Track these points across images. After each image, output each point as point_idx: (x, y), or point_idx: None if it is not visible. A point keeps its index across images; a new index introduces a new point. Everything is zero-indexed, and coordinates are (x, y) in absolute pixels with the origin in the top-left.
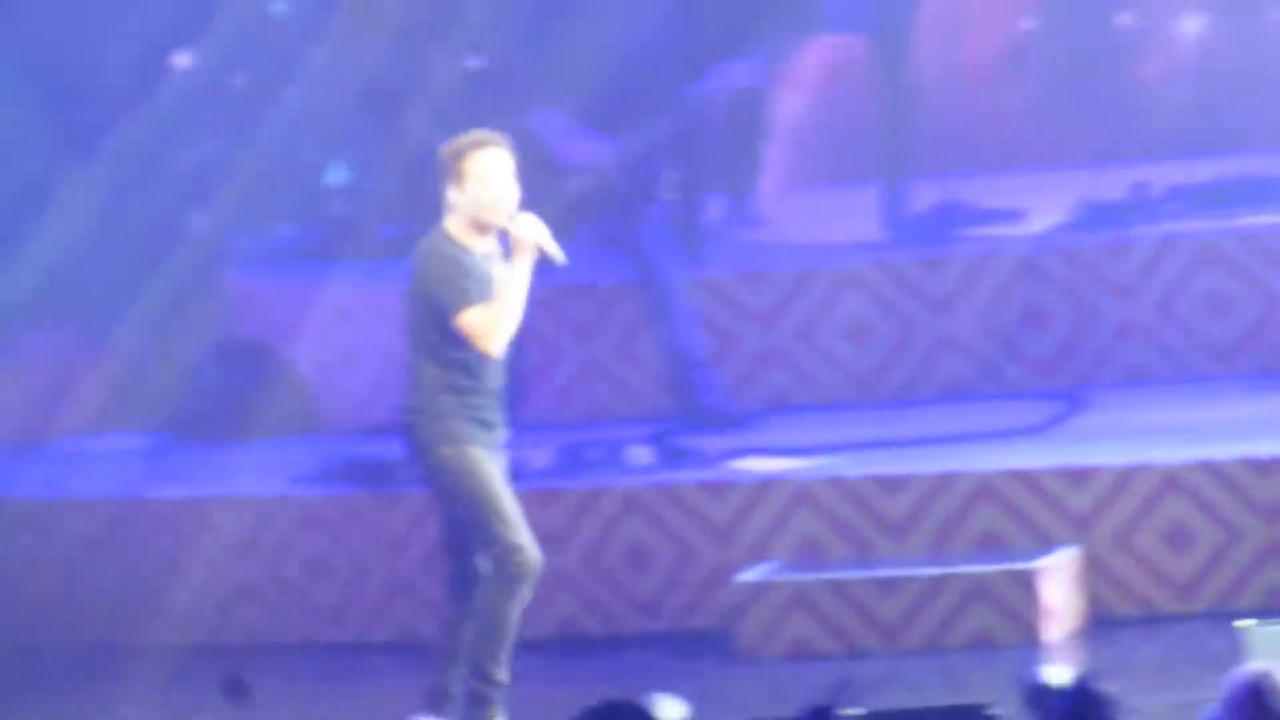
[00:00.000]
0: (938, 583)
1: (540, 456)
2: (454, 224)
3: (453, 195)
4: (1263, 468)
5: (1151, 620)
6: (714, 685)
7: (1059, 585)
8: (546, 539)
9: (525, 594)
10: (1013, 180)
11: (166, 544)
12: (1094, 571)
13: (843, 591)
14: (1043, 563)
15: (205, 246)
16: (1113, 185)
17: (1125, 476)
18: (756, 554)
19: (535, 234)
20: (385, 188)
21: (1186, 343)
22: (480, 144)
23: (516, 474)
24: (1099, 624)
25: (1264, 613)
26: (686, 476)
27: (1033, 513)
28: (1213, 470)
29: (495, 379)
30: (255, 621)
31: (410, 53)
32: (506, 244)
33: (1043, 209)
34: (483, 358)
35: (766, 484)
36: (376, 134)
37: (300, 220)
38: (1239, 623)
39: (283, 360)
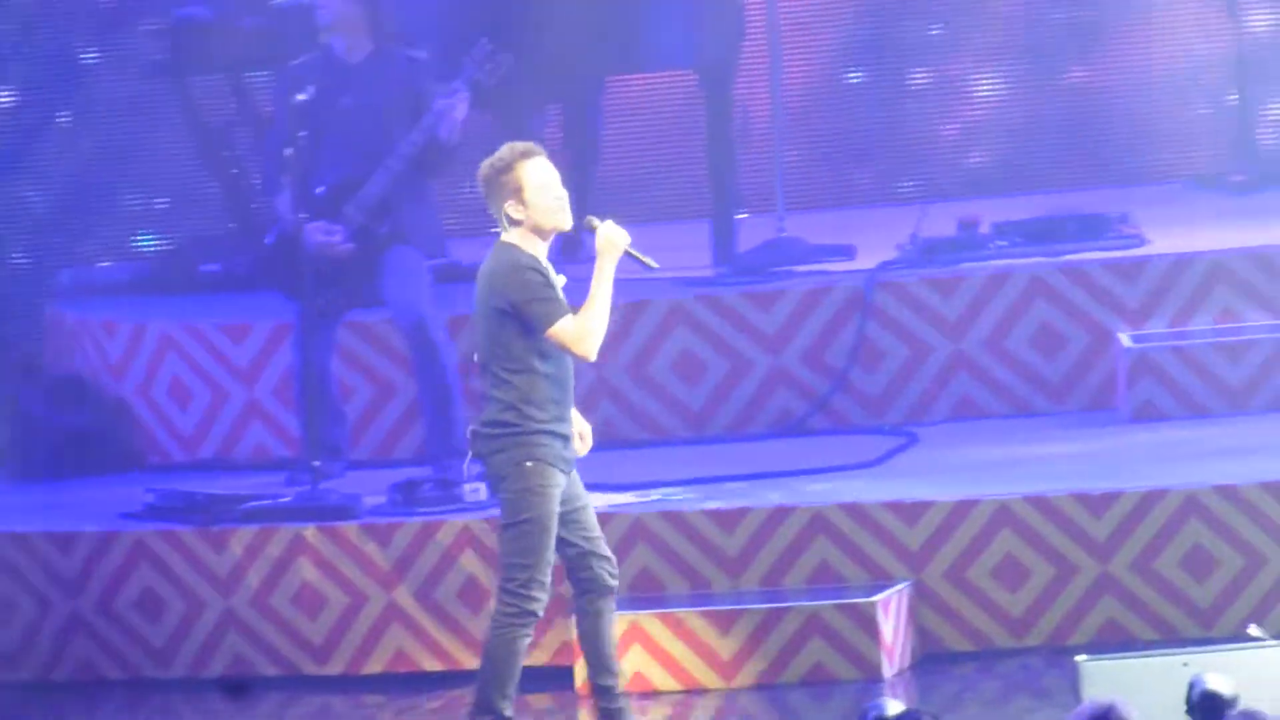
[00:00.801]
0: (774, 617)
1: (374, 492)
2: (516, 236)
3: (511, 209)
4: (1094, 503)
5: (985, 655)
6: None
7: (894, 619)
8: (380, 575)
9: (528, 633)
10: (844, 216)
11: None
12: (928, 606)
13: (679, 626)
14: (878, 597)
15: (28, 282)
16: (941, 222)
17: (958, 511)
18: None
19: (621, 239)
20: (207, 222)
21: (1016, 378)
22: (527, 154)
23: (354, 512)
24: (933, 659)
25: (1097, 647)
26: None
27: (867, 547)
28: (1044, 506)
29: (572, 389)
30: (87, 658)
31: (239, 89)
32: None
33: (872, 245)
34: (567, 370)
35: (601, 519)
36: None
37: (123, 254)
38: (1079, 658)
39: (110, 396)
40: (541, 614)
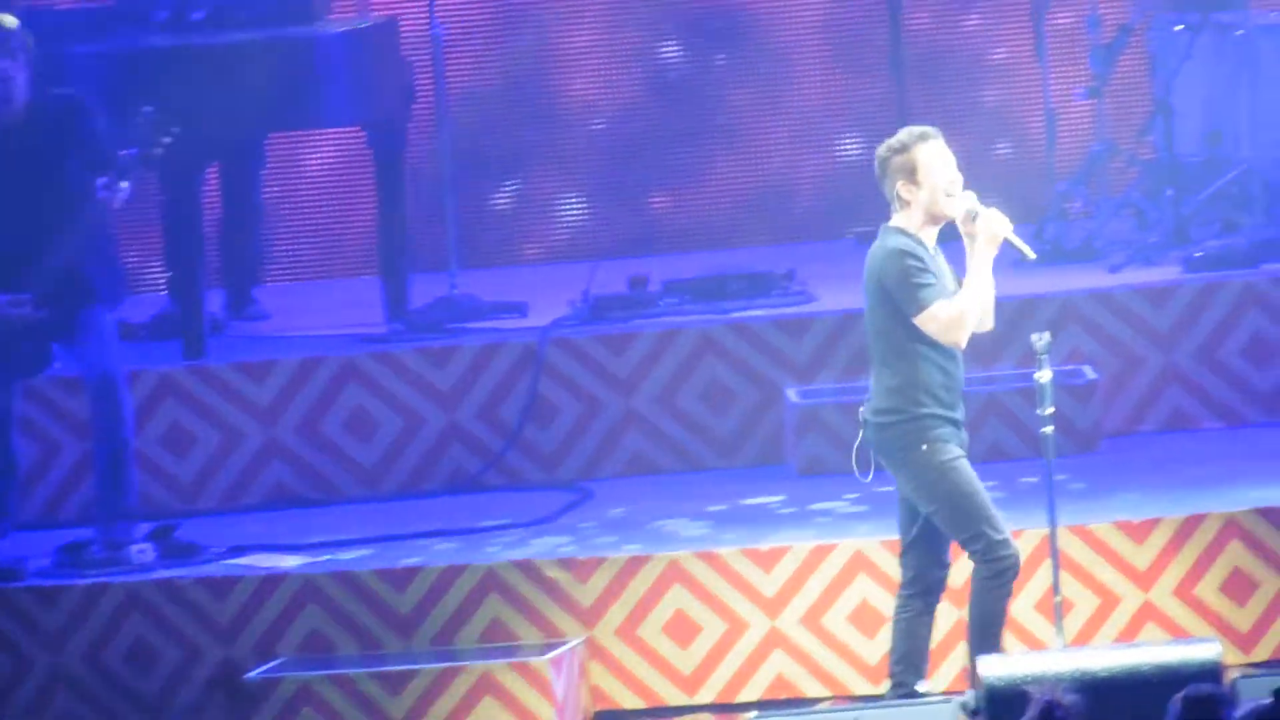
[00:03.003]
0: (445, 676)
1: (38, 555)
2: (905, 219)
3: (904, 191)
4: (763, 559)
5: (656, 712)
6: None
7: (566, 677)
8: (46, 638)
9: (1011, 587)
10: (516, 274)
11: None
12: (600, 663)
13: (349, 688)
14: (550, 655)
15: None
16: (612, 279)
17: (630, 567)
18: (262, 651)
19: (1002, 227)
20: None
21: (686, 434)
22: (925, 136)
23: (19, 574)
24: (605, 716)
25: (768, 704)
26: (189, 573)
27: (539, 604)
28: (714, 561)
29: (962, 376)
30: None
31: None
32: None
33: (546, 301)
34: (953, 354)
35: (272, 580)
36: None
37: None
38: (750, 715)
39: None
40: (1019, 562)
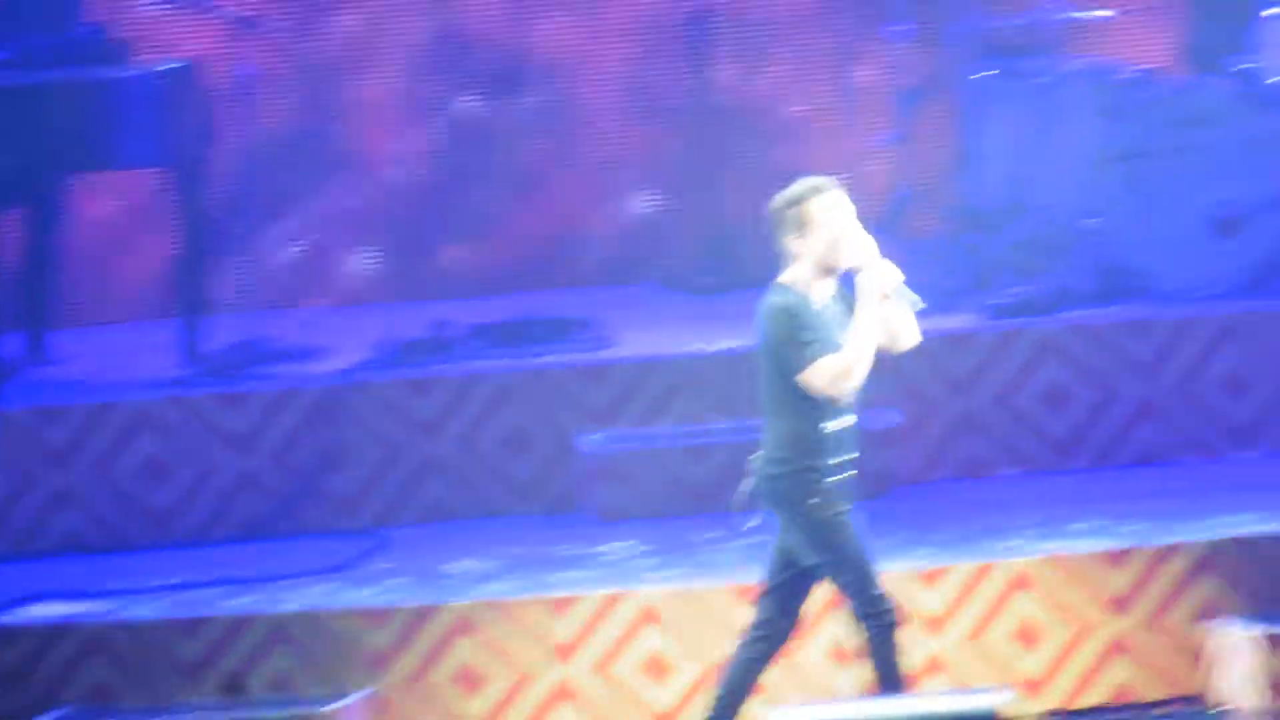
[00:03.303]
0: None
1: None
2: (794, 274)
3: (794, 244)
4: (554, 607)
5: None
6: None
7: None
8: None
9: (897, 636)
10: (313, 317)
11: None
12: (387, 715)
13: None
14: (334, 706)
15: None
16: (412, 323)
17: (421, 616)
18: (45, 703)
19: (888, 281)
20: None
21: (487, 480)
22: (818, 189)
23: None
24: None
25: None
26: None
27: (327, 655)
28: (506, 610)
29: (850, 429)
30: None
31: None
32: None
33: (344, 346)
34: (837, 410)
35: (57, 629)
36: None
37: None
38: None
39: None
40: (899, 617)
